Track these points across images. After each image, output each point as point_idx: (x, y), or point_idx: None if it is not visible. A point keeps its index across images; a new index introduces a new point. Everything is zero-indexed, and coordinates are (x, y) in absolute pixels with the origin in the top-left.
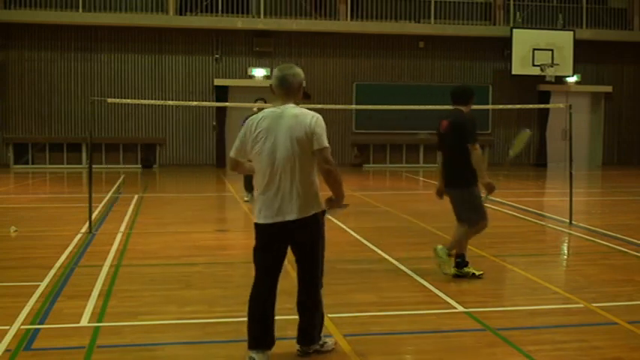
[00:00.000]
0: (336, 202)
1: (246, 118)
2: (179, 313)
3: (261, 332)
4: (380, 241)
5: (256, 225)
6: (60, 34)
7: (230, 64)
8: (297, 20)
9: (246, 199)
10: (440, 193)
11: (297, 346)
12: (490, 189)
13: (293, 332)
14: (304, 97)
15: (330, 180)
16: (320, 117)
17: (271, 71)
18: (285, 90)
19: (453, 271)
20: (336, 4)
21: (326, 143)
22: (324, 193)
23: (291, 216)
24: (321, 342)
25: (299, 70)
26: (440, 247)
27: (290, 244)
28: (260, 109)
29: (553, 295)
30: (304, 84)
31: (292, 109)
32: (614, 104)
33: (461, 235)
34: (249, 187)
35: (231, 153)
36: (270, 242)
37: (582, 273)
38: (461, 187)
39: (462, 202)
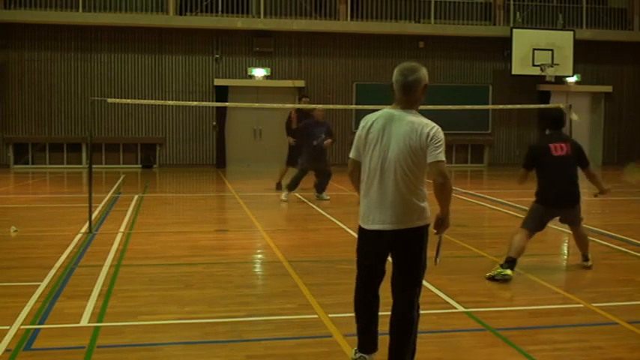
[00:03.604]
0: (442, 220)
1: (290, 115)
2: (179, 313)
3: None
4: None
5: (359, 227)
6: (60, 34)
7: (230, 64)
8: (297, 20)
9: (283, 198)
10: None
11: None
12: None
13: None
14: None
15: (443, 194)
16: (439, 128)
17: (271, 71)
18: (407, 95)
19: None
20: (336, 4)
21: (443, 157)
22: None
23: (391, 226)
24: None
25: (423, 72)
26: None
27: (390, 251)
28: (303, 109)
29: (553, 295)
30: (426, 82)
31: (411, 116)
32: (614, 104)
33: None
34: (293, 186)
35: (352, 154)
36: (370, 247)
37: (582, 273)
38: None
39: (580, 212)
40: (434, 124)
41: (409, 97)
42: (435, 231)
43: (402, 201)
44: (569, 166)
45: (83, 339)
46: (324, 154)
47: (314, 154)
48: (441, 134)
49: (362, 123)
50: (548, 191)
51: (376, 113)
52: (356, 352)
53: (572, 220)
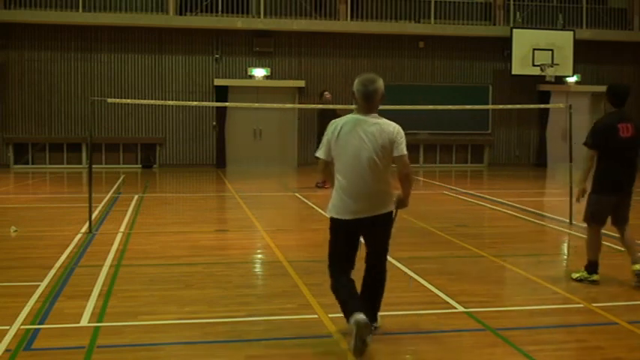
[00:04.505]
0: (403, 201)
1: (330, 117)
2: (179, 313)
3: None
4: None
5: (332, 219)
6: (60, 34)
7: (230, 64)
8: (297, 20)
9: None
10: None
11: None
12: None
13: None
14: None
15: (407, 182)
16: (400, 127)
17: (271, 71)
18: (367, 102)
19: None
20: (336, 4)
21: (405, 151)
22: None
23: (367, 214)
24: (376, 324)
25: (380, 83)
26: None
27: (362, 235)
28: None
29: (553, 295)
30: (383, 92)
31: (374, 119)
32: None
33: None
34: None
35: (320, 154)
36: (346, 236)
37: None
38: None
39: (630, 204)
40: (395, 124)
41: (369, 104)
42: (395, 208)
43: (376, 191)
44: (634, 149)
45: (83, 339)
46: None
47: None
48: (402, 132)
49: (330, 128)
50: (608, 177)
51: (342, 118)
52: (349, 321)
53: (626, 212)
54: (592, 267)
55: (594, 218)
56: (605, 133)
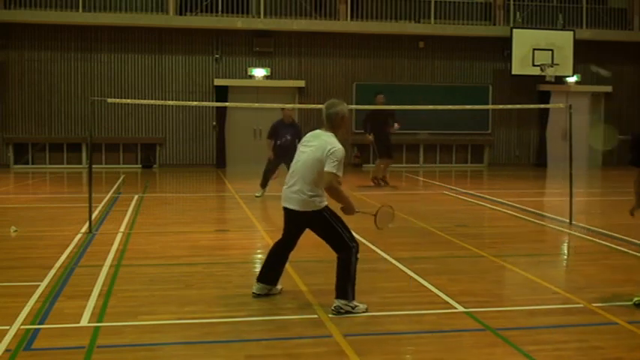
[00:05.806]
0: (345, 209)
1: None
2: (179, 313)
3: (265, 271)
4: (380, 241)
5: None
6: (60, 34)
7: (230, 64)
8: (297, 20)
9: (257, 194)
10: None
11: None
12: None
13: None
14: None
15: (332, 195)
16: (340, 149)
17: (271, 71)
18: (328, 122)
19: None
20: (336, 4)
21: (332, 169)
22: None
23: (292, 207)
24: (352, 304)
25: (341, 108)
26: None
27: (306, 228)
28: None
29: (553, 295)
30: (346, 115)
31: (326, 137)
32: (614, 104)
33: None
34: (264, 183)
35: None
36: (285, 218)
37: (582, 273)
38: None
39: None
40: (337, 146)
41: (329, 123)
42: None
43: (300, 191)
44: None
45: (83, 339)
46: (288, 153)
47: (278, 153)
48: (339, 154)
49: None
50: None
51: (313, 131)
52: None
53: None
54: None
55: None
56: None
